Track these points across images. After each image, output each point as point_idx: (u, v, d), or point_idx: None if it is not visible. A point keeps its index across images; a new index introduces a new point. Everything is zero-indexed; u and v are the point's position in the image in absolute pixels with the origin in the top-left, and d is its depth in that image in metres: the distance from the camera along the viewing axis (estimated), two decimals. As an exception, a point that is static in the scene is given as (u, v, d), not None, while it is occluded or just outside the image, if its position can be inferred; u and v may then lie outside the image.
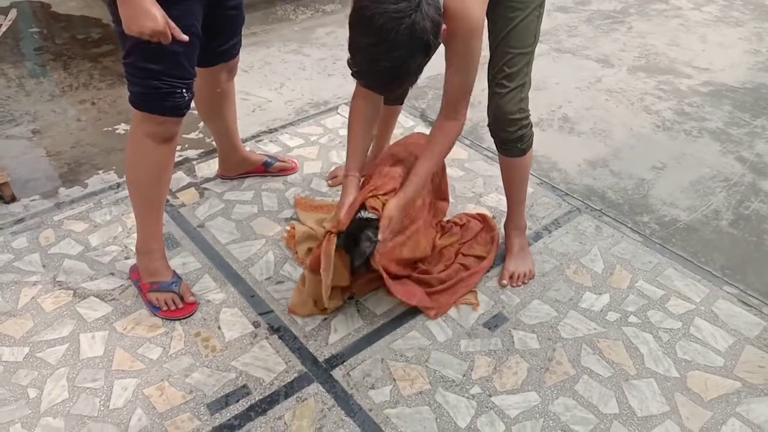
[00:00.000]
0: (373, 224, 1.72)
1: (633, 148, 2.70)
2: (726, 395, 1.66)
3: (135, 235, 2.08)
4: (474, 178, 2.45)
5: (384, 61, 1.40)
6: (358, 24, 1.41)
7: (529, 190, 2.37)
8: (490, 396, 1.63)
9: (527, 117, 1.83)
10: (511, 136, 1.83)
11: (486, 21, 1.77)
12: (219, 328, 1.78)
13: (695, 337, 1.82)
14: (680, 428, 1.56)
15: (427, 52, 1.43)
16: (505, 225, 2.08)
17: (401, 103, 2.26)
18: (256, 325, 1.79)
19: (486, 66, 1.82)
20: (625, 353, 1.76)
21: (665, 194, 2.42)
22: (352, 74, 1.50)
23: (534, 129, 1.90)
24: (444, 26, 1.48)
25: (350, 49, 1.46)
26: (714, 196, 2.42)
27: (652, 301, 1.93)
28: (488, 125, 1.87)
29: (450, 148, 1.80)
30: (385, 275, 1.75)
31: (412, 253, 1.90)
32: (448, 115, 1.70)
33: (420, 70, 1.48)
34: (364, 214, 1.74)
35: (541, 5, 1.75)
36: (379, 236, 1.68)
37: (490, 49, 1.79)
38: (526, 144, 1.87)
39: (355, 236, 1.76)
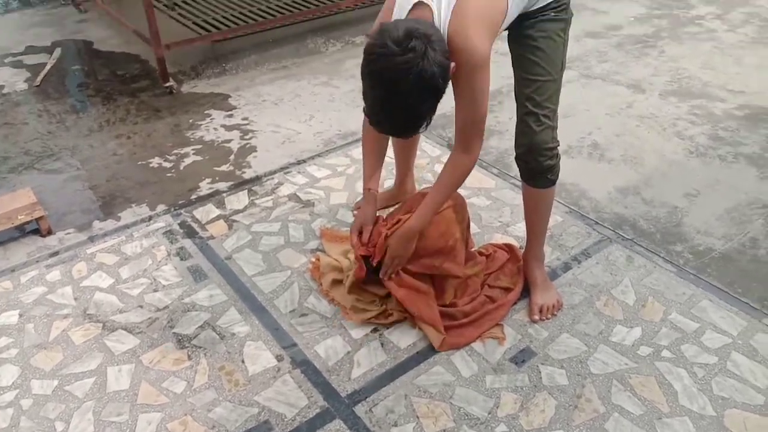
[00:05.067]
0: None
1: (665, 175, 2.64)
2: (766, 435, 1.58)
3: (164, 267, 2.13)
4: (501, 207, 2.42)
5: (396, 110, 1.45)
6: (368, 77, 1.45)
7: (558, 218, 2.34)
8: (515, 434, 1.59)
9: (557, 146, 1.82)
10: (542, 166, 1.81)
11: (509, 49, 1.78)
12: (243, 361, 1.79)
13: (732, 372, 1.74)
14: (717, 470, 1.50)
15: (437, 95, 1.46)
16: (524, 256, 2.05)
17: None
18: (279, 358, 1.80)
19: (512, 94, 1.81)
20: (658, 390, 1.70)
21: (699, 222, 2.35)
22: (369, 121, 1.53)
23: (563, 156, 1.87)
24: (453, 64, 1.49)
25: (364, 98, 1.51)
26: (751, 224, 2.34)
27: (687, 335, 1.86)
28: (517, 156, 1.84)
29: (460, 183, 1.78)
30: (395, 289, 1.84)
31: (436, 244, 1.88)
32: (460, 149, 1.70)
33: (433, 112, 1.51)
34: None
35: (564, 31, 1.74)
36: (381, 274, 1.83)
37: (515, 79, 1.78)
38: (555, 174, 1.85)
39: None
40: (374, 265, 1.86)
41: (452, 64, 1.49)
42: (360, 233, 1.89)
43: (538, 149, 1.78)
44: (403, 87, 1.40)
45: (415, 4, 1.55)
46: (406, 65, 1.38)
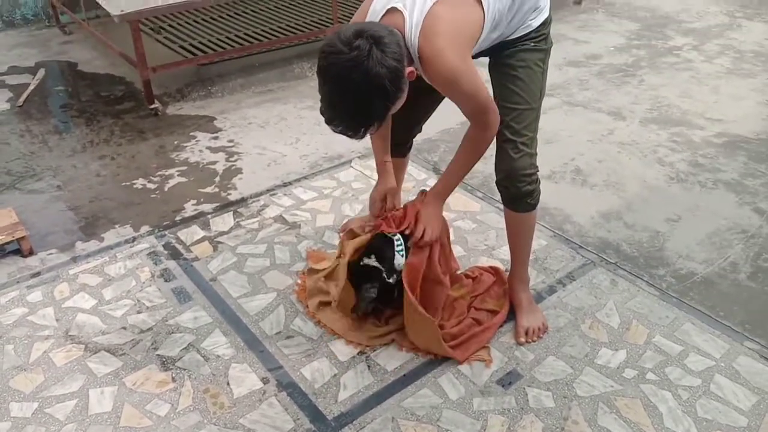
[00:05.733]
0: (376, 277, 1.84)
1: (647, 201, 2.69)
2: (751, 458, 1.59)
3: (148, 289, 2.11)
4: (486, 231, 2.44)
5: (344, 105, 1.48)
6: (319, 73, 1.49)
7: (542, 242, 2.36)
8: (503, 457, 1.58)
9: (537, 172, 1.84)
10: (521, 192, 1.83)
11: (490, 77, 1.81)
12: (228, 384, 1.76)
13: (716, 395, 1.76)
14: (703, 493, 1.50)
15: (387, 96, 1.48)
16: (509, 279, 2.06)
17: (404, 156, 2.25)
18: (265, 381, 1.78)
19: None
20: (643, 412, 1.71)
21: (681, 247, 2.39)
22: (324, 120, 1.54)
23: (546, 181, 1.90)
24: (410, 69, 1.52)
25: (320, 96, 1.52)
26: (731, 249, 2.38)
27: (671, 358, 1.88)
28: (497, 182, 1.87)
29: (479, 156, 1.77)
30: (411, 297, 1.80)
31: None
32: (476, 126, 1.71)
33: (384, 113, 1.53)
34: (371, 261, 1.85)
35: (543, 61, 1.77)
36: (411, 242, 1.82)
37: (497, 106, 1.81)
38: (535, 199, 1.88)
39: (359, 281, 1.87)
40: (407, 233, 1.83)
41: (410, 69, 1.52)
42: (382, 207, 1.94)
43: (516, 175, 1.80)
44: (349, 84, 1.43)
45: (388, 10, 1.57)
46: (350, 63, 1.41)
